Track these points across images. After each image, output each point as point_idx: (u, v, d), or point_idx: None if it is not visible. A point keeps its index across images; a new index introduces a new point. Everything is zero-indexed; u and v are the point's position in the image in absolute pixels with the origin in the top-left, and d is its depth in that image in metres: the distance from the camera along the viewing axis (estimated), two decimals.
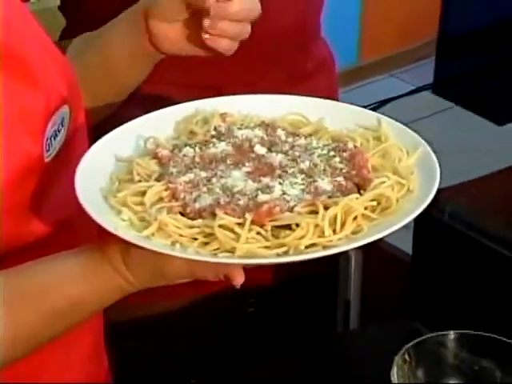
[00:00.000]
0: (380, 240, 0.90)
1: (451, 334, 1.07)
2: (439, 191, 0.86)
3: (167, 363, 1.50)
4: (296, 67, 1.46)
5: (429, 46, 3.85)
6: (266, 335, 1.63)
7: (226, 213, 0.84)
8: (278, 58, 1.46)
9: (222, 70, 1.38)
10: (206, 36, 1.11)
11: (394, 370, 1.02)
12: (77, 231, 1.07)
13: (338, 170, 0.90)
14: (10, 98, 1.02)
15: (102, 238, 0.97)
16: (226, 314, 1.61)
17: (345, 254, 1.60)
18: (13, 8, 1.13)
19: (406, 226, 0.92)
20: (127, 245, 0.90)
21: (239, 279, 0.90)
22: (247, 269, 1.46)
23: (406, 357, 1.04)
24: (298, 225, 0.83)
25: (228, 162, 0.92)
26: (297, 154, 0.94)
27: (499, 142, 3.14)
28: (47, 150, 1.02)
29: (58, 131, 1.05)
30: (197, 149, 0.94)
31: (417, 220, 1.03)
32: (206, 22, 1.11)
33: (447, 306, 1.19)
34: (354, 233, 0.83)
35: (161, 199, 0.88)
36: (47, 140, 1.03)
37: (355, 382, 1.30)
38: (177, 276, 0.92)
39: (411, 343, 1.05)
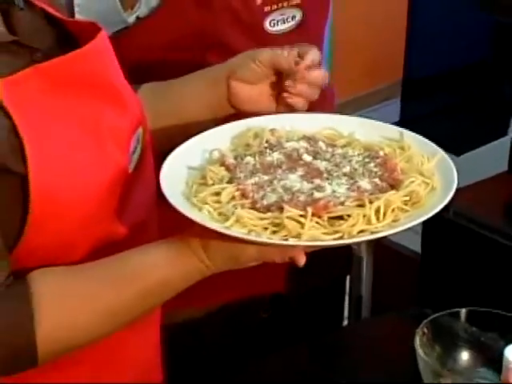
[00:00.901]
0: (390, 241, 1.09)
1: (461, 311, 1.21)
2: None
3: (191, 363, 1.56)
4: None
5: (395, 86, 3.85)
6: (280, 337, 1.71)
7: (290, 207, 0.98)
8: None
9: None
10: (286, 95, 1.27)
11: (417, 340, 1.15)
12: (147, 231, 1.18)
13: (373, 173, 1.06)
14: (105, 118, 1.13)
15: (180, 231, 1.09)
16: (243, 319, 1.70)
17: (357, 254, 1.75)
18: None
19: (413, 229, 1.09)
20: (207, 235, 1.03)
21: (302, 261, 1.03)
22: (261, 278, 1.55)
23: (425, 329, 1.18)
24: (349, 215, 0.97)
25: (283, 167, 1.07)
26: (337, 160, 1.09)
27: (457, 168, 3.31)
28: (129, 163, 1.14)
29: (135, 148, 1.17)
30: (256, 158, 1.09)
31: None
32: (289, 83, 1.27)
33: (455, 294, 1.29)
34: (393, 221, 0.98)
35: (233, 198, 1.02)
36: (130, 154, 1.15)
37: (374, 364, 1.38)
38: (249, 260, 1.05)
39: (428, 318, 1.19)
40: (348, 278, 1.86)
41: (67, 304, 1.08)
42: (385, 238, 1.07)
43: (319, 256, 1.26)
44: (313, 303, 1.81)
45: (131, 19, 1.57)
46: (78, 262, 1.10)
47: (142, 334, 1.26)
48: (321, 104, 1.65)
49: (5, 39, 1.10)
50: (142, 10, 1.60)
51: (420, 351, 1.16)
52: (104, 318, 1.11)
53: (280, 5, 1.62)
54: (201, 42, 1.61)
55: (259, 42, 1.57)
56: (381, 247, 1.71)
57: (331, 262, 1.76)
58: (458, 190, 1.10)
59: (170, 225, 1.11)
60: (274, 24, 1.62)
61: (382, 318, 1.62)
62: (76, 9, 1.52)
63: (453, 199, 1.04)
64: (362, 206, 1.00)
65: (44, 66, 1.08)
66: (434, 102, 3.55)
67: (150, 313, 1.20)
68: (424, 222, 1.33)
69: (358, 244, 1.77)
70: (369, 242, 1.72)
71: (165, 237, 1.15)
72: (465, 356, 1.22)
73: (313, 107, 1.56)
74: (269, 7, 1.61)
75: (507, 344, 1.15)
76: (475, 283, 1.37)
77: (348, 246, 1.83)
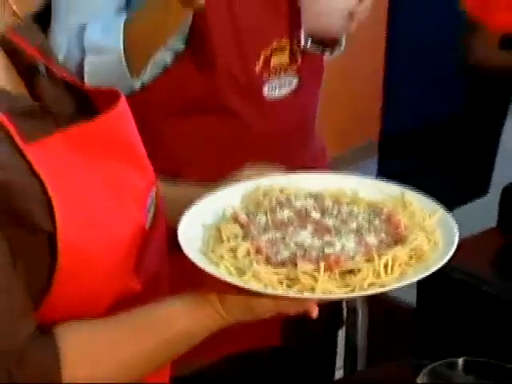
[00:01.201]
0: (385, 293, 1.14)
1: (458, 361, 1.24)
2: None
3: None
4: (295, 163, 1.52)
5: (372, 146, 3.85)
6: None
7: (307, 265, 1.02)
8: (280, 157, 1.53)
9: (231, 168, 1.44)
10: None
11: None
12: (160, 284, 1.22)
13: (379, 229, 1.10)
14: (126, 178, 1.18)
15: (191, 284, 1.11)
16: (245, 369, 1.73)
17: (352, 306, 1.78)
18: None
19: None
20: (224, 289, 1.06)
21: (315, 313, 1.07)
22: (258, 332, 1.62)
23: (424, 379, 1.22)
24: (359, 270, 1.02)
25: (294, 224, 1.11)
26: (344, 217, 1.13)
27: None
28: (146, 220, 1.19)
29: (150, 206, 1.21)
30: (268, 215, 1.12)
31: None
32: None
33: (450, 345, 1.33)
34: (400, 275, 1.03)
35: (248, 254, 1.06)
36: (147, 212, 1.19)
37: None
38: (265, 312, 1.09)
39: (427, 367, 1.22)
40: (343, 329, 1.88)
41: (92, 357, 1.11)
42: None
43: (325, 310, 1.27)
44: (308, 355, 1.83)
45: (137, 85, 1.61)
46: (99, 314, 1.13)
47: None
48: (316, 163, 1.70)
49: (31, 106, 1.14)
50: (147, 76, 1.64)
51: None
52: (127, 370, 1.14)
53: (278, 72, 1.69)
54: (202, 106, 1.65)
55: (258, 106, 1.69)
56: (375, 299, 1.71)
57: (325, 315, 1.84)
58: None
59: (181, 278, 1.17)
60: (272, 89, 1.69)
61: (378, 368, 1.64)
62: (86, 76, 1.56)
63: None
64: (370, 260, 1.04)
65: (70, 131, 1.12)
66: (413, 160, 3.54)
67: (169, 362, 1.23)
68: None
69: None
70: (364, 300, 1.78)
71: (175, 289, 1.18)
72: None
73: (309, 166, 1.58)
74: (267, 74, 1.67)
75: None
76: (469, 334, 1.40)
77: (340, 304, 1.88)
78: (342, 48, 1.77)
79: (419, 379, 1.23)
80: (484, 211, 1.56)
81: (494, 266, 1.49)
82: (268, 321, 1.44)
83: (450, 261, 1.35)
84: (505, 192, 1.49)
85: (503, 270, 1.49)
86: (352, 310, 1.77)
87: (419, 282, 1.41)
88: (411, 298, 1.52)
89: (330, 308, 1.78)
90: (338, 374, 2.00)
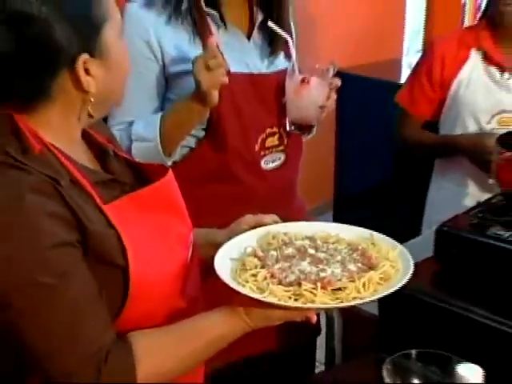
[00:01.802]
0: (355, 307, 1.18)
1: (412, 352, 1.28)
2: None
3: None
4: (284, 214, 1.46)
5: (328, 204, 3.77)
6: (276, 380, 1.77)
7: (307, 285, 1.08)
8: (273, 210, 1.46)
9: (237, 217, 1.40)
10: None
11: (384, 372, 1.24)
12: (197, 303, 1.23)
13: (356, 260, 1.16)
14: (173, 226, 1.23)
15: (223, 302, 1.15)
16: (250, 369, 1.71)
17: (330, 316, 1.79)
18: None
19: None
20: (249, 303, 1.11)
21: (314, 319, 1.13)
22: (260, 339, 1.53)
23: (387, 367, 1.26)
24: (345, 288, 1.08)
25: (296, 257, 1.16)
26: (331, 252, 1.19)
27: None
28: (188, 256, 1.22)
29: (190, 245, 1.24)
30: (277, 251, 1.18)
31: None
32: None
33: (405, 343, 1.32)
34: (374, 291, 1.09)
35: (265, 278, 1.11)
36: (188, 250, 1.23)
37: None
38: (278, 319, 1.13)
39: (389, 358, 1.26)
40: (321, 335, 1.88)
41: (158, 356, 1.13)
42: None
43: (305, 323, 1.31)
44: (295, 356, 1.83)
45: (169, 162, 1.63)
46: (157, 325, 1.15)
47: (194, 376, 1.28)
48: (299, 215, 1.71)
49: (106, 178, 1.18)
50: (176, 156, 1.67)
51: (387, 380, 1.24)
52: (183, 365, 1.17)
53: (271, 150, 1.70)
54: (217, 176, 1.66)
55: (257, 175, 1.68)
56: (347, 311, 1.73)
57: (306, 326, 1.87)
58: None
59: (213, 298, 1.18)
60: (267, 163, 1.70)
61: (351, 363, 1.66)
62: (134, 156, 1.55)
63: None
64: (352, 281, 1.10)
65: (135, 195, 1.17)
66: (362, 212, 3.37)
67: (208, 359, 1.22)
68: None
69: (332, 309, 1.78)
70: (339, 311, 1.77)
71: (209, 306, 1.20)
72: (415, 381, 1.27)
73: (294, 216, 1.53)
74: (263, 152, 1.69)
75: (445, 375, 1.22)
76: (419, 333, 1.40)
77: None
78: (314, 132, 1.79)
79: (384, 368, 1.25)
80: (419, 247, 1.55)
81: (433, 284, 1.51)
82: (266, 331, 1.45)
83: None
84: (438, 232, 1.51)
85: (440, 286, 1.50)
86: (330, 320, 1.79)
87: (381, 299, 1.43)
88: (375, 310, 1.52)
89: (316, 322, 1.78)
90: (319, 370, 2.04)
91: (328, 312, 1.81)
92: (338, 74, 3.52)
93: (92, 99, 1.11)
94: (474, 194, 1.86)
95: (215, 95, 1.51)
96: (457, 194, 1.97)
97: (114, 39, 1.13)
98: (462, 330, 1.38)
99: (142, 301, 1.12)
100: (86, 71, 1.08)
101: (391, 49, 3.84)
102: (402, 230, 1.85)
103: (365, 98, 3.31)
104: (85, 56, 1.07)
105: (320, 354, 1.91)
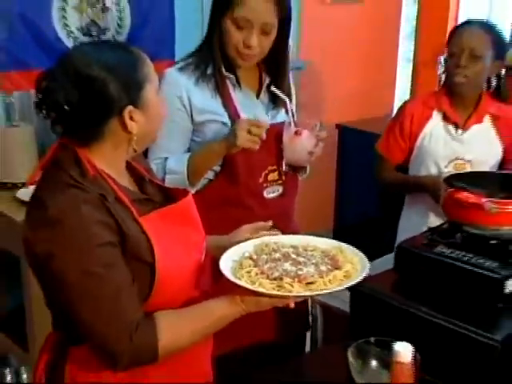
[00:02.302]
0: (334, 307, 1.21)
1: (371, 339, 1.30)
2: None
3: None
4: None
5: (329, 230, 3.62)
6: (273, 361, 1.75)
7: (288, 280, 1.15)
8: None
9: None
10: None
11: (349, 354, 1.27)
12: (207, 294, 1.25)
13: (327, 263, 1.22)
14: (192, 236, 1.27)
15: (224, 293, 1.18)
16: (248, 358, 1.70)
17: (315, 315, 1.81)
18: None
19: (344, 299, 1.28)
20: (244, 293, 1.15)
21: (292, 305, 1.17)
22: (258, 330, 1.62)
23: (353, 349, 1.29)
24: (315, 282, 1.15)
25: (281, 260, 1.22)
26: (308, 257, 1.24)
27: None
28: (201, 258, 1.27)
29: (203, 250, 1.28)
30: (268, 255, 1.24)
31: (352, 292, 1.41)
32: None
33: (370, 332, 1.32)
34: (338, 285, 1.16)
35: (257, 274, 1.17)
36: (201, 253, 1.27)
37: (323, 369, 1.43)
38: (265, 305, 1.17)
39: (353, 344, 1.29)
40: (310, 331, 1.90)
41: (177, 328, 1.16)
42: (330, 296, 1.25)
43: (294, 317, 1.53)
44: (289, 346, 1.83)
45: (193, 191, 1.65)
46: (176, 308, 1.19)
47: (203, 352, 1.32)
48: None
49: (141, 197, 1.23)
50: (199, 185, 1.71)
51: (351, 361, 1.27)
52: (194, 337, 1.20)
53: (272, 183, 1.73)
54: (229, 202, 1.69)
55: (261, 203, 1.70)
56: (328, 311, 1.79)
57: (300, 321, 1.87)
58: (370, 276, 1.25)
59: (219, 290, 1.22)
60: (268, 193, 1.73)
61: (327, 347, 1.74)
62: (166, 184, 1.55)
63: (365, 280, 1.20)
64: (322, 277, 1.16)
65: (162, 210, 1.21)
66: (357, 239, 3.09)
67: (213, 333, 1.25)
68: (351, 295, 1.45)
69: (316, 307, 1.82)
70: (322, 309, 1.82)
71: (215, 294, 1.22)
72: (374, 363, 1.29)
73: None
74: (266, 184, 1.72)
75: (389, 353, 1.20)
76: (379, 325, 1.40)
77: (308, 313, 1.90)
78: (308, 172, 1.83)
79: (349, 351, 1.28)
80: (387, 262, 1.61)
81: (392, 289, 1.52)
82: (266, 324, 1.62)
83: (369, 285, 1.45)
84: (398, 249, 1.54)
85: (397, 291, 1.51)
86: (314, 318, 1.81)
87: (352, 300, 1.50)
88: (348, 309, 1.54)
89: (303, 317, 1.87)
90: None
91: (313, 311, 1.84)
92: (339, 126, 3.54)
93: (135, 138, 1.17)
94: (433, 223, 1.83)
95: (239, 149, 1.57)
96: (421, 223, 1.95)
97: (153, 95, 1.18)
98: (412, 323, 1.39)
99: (164, 290, 1.16)
100: (131, 118, 1.14)
101: (382, 107, 3.79)
102: (387, 251, 1.88)
103: (359, 146, 3.18)
104: (130, 107, 1.14)
105: (307, 345, 1.94)
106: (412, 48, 3.90)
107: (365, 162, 2.51)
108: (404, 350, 1.06)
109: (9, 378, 2.29)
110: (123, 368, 1.12)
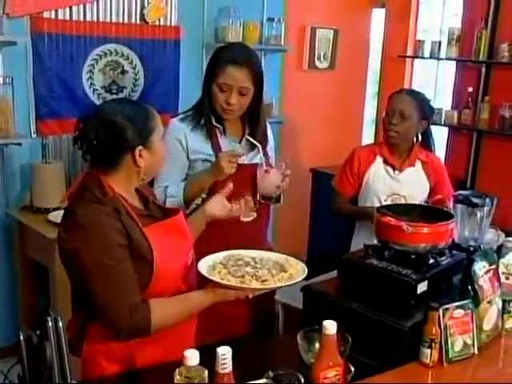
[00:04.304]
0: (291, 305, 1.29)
1: (315, 327, 1.27)
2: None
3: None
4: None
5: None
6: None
7: (248, 278, 1.26)
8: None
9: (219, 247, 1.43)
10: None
11: (299, 340, 1.30)
12: (193, 287, 1.33)
13: (277, 268, 1.34)
14: (182, 244, 1.34)
15: (202, 286, 1.27)
16: (230, 345, 1.54)
17: (277, 312, 1.84)
18: None
19: (299, 299, 1.35)
20: (215, 286, 1.26)
21: (250, 296, 1.27)
22: (233, 325, 1.63)
23: (302, 334, 1.32)
24: (267, 279, 1.27)
25: (243, 266, 1.34)
26: (263, 264, 1.36)
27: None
28: (189, 261, 1.34)
29: (190, 255, 1.34)
30: (234, 262, 1.35)
31: (305, 293, 1.47)
32: None
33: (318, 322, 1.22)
34: (284, 282, 1.28)
35: (225, 274, 1.29)
36: (189, 257, 1.36)
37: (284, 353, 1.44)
38: (230, 296, 1.26)
39: (302, 331, 1.31)
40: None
41: (164, 311, 1.25)
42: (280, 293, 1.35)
43: (264, 314, 1.57)
44: (262, 335, 1.84)
45: (188, 211, 1.70)
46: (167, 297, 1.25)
47: (189, 327, 1.36)
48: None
49: (145, 213, 1.30)
50: (189, 210, 1.74)
51: (300, 342, 1.30)
52: (179, 315, 1.28)
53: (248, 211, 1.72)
54: (211, 223, 1.58)
55: (238, 225, 1.71)
56: (287, 308, 1.87)
57: (268, 318, 1.94)
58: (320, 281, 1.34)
59: (200, 285, 1.31)
60: (245, 217, 1.77)
61: (287, 335, 1.75)
62: (167, 204, 1.66)
63: (315, 284, 1.31)
64: (272, 277, 1.29)
65: (160, 223, 1.29)
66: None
67: (194, 315, 1.33)
68: (304, 295, 1.51)
69: (278, 306, 1.87)
70: (283, 307, 1.88)
71: (198, 288, 1.31)
72: (317, 345, 1.27)
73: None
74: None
75: None
76: (325, 317, 1.26)
77: (275, 311, 1.96)
78: (282, 202, 1.85)
79: (298, 336, 1.30)
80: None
81: (336, 290, 1.58)
82: (242, 321, 1.64)
83: (318, 288, 1.53)
84: (340, 261, 1.59)
85: (340, 291, 1.57)
86: (277, 314, 1.90)
87: (304, 299, 1.54)
88: (300, 306, 1.58)
89: (270, 315, 1.92)
90: None
91: (276, 309, 1.91)
92: (313, 170, 3.57)
93: (142, 171, 1.26)
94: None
95: (225, 176, 1.65)
96: (367, 241, 1.78)
97: (158, 140, 1.30)
98: (348, 315, 1.44)
99: (159, 282, 1.24)
100: (140, 156, 1.25)
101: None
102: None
103: (329, 186, 3.20)
104: (140, 147, 1.25)
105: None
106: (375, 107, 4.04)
107: None
108: (330, 325, 1.09)
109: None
110: (124, 338, 1.21)
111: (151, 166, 1.27)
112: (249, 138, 1.83)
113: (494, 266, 1.53)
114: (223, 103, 1.74)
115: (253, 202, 1.75)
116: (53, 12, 2.54)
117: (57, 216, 2.24)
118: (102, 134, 1.20)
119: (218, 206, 1.49)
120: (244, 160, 1.77)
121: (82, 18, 2.64)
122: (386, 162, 2.17)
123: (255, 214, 1.81)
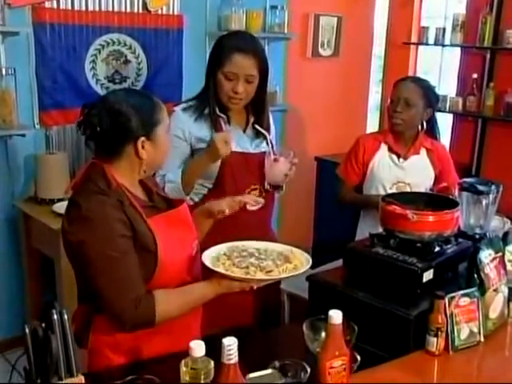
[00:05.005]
0: (297, 294, 1.27)
1: (322, 316, 1.23)
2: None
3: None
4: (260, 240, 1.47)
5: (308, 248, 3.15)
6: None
7: (253, 269, 1.26)
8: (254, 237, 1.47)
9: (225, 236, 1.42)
10: None
11: (305, 329, 1.28)
12: (198, 280, 1.32)
13: (281, 259, 1.33)
14: (187, 233, 1.33)
15: (207, 277, 1.26)
16: (235, 335, 1.51)
17: (283, 301, 1.83)
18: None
19: (304, 288, 1.34)
20: (220, 277, 1.25)
21: (255, 287, 1.27)
22: (238, 315, 1.61)
23: (308, 323, 1.30)
24: (272, 270, 1.27)
25: (248, 256, 1.33)
26: (268, 255, 1.35)
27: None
28: (193, 251, 1.33)
29: (194, 245, 1.33)
30: (238, 253, 1.33)
31: (310, 283, 1.47)
32: None
33: (322, 312, 1.23)
34: (289, 273, 1.27)
35: (230, 265, 1.28)
36: (194, 248, 1.34)
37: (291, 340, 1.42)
38: (235, 287, 1.25)
39: (307, 320, 1.27)
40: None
41: (169, 303, 1.24)
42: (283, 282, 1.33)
43: (269, 304, 1.55)
44: (267, 325, 1.84)
45: (187, 198, 1.72)
46: (172, 288, 1.25)
47: (194, 318, 1.37)
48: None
49: (149, 204, 1.30)
50: (196, 200, 1.76)
51: (306, 332, 1.29)
52: (184, 307, 1.27)
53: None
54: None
55: (244, 213, 1.63)
56: (293, 298, 1.85)
57: (274, 308, 1.93)
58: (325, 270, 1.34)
59: (205, 276, 1.31)
60: (251, 205, 1.67)
61: (292, 324, 1.75)
62: (167, 192, 1.62)
63: (320, 274, 1.30)
64: (277, 267, 1.28)
65: (164, 214, 1.29)
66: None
67: (199, 307, 1.32)
68: (309, 285, 1.50)
69: (284, 295, 1.86)
70: (289, 296, 1.86)
71: (203, 279, 1.31)
72: (323, 334, 1.24)
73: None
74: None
75: None
76: (331, 307, 1.24)
77: (280, 300, 1.95)
78: (284, 190, 1.84)
79: (304, 324, 1.29)
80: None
81: (342, 279, 1.58)
82: (247, 310, 1.63)
83: (323, 277, 1.52)
84: (346, 250, 1.59)
85: (345, 281, 1.57)
86: (283, 303, 1.89)
87: (310, 289, 1.54)
88: (307, 296, 1.58)
89: (276, 305, 1.92)
90: None
91: (281, 299, 1.91)
92: (317, 159, 3.57)
93: (144, 163, 1.25)
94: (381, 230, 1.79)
95: (221, 157, 1.64)
96: (372, 230, 1.76)
97: (163, 133, 1.28)
98: (354, 304, 1.44)
99: (163, 274, 1.23)
100: (142, 147, 1.24)
101: (353, 143, 3.72)
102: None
103: (334, 175, 3.21)
104: (143, 138, 1.24)
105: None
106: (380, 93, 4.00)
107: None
108: (335, 315, 1.10)
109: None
110: (129, 329, 1.21)
111: (154, 159, 1.26)
112: (257, 127, 1.81)
113: (499, 254, 1.53)
114: (230, 92, 1.72)
115: (259, 190, 1.77)
116: (54, 2, 2.53)
117: (61, 207, 2.24)
118: (105, 121, 1.20)
119: (227, 205, 1.47)
120: (249, 149, 1.76)
121: (83, 8, 2.63)
122: (390, 149, 2.16)
123: (263, 201, 1.73)
